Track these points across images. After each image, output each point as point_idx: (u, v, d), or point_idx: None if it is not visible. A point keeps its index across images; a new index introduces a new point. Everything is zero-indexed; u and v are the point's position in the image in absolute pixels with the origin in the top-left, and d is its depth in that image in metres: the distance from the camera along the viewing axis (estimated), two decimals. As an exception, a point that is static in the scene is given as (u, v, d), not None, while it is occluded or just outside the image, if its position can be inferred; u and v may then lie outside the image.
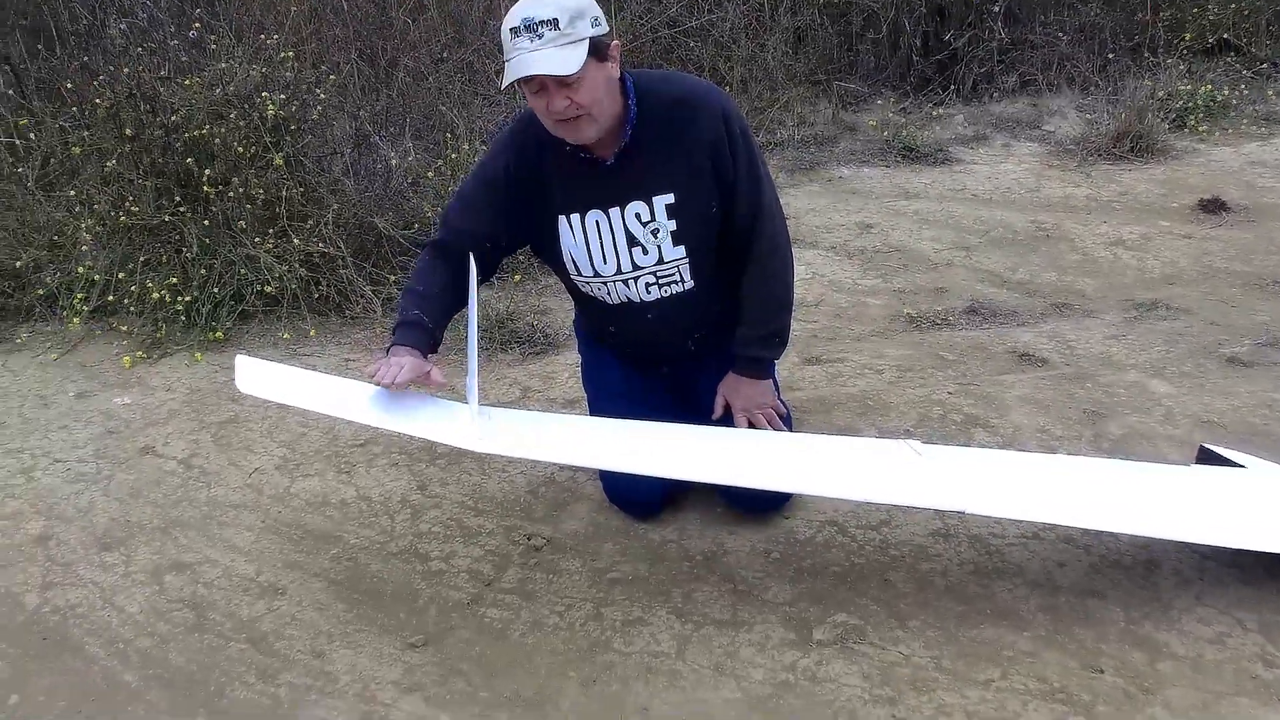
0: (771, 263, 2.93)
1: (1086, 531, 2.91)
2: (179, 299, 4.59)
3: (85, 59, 5.62)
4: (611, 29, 2.62)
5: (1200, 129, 6.75)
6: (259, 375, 2.79)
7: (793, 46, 7.94)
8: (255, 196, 4.82)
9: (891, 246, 5.34)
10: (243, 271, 4.69)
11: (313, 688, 2.60)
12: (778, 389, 3.13)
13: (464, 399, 2.75)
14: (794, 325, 3.11)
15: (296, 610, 2.88)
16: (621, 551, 3.04)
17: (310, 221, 4.86)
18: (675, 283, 2.91)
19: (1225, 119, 6.91)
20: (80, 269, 4.76)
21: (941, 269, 5.05)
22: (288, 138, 5.06)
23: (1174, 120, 6.82)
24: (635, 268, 2.86)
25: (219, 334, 4.53)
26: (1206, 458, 3.05)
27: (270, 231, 4.81)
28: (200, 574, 3.06)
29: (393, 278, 4.84)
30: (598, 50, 2.55)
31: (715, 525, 3.12)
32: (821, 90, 7.80)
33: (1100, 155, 6.45)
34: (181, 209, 4.83)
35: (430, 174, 5.40)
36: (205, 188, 4.79)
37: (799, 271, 3.44)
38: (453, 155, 5.51)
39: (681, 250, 2.85)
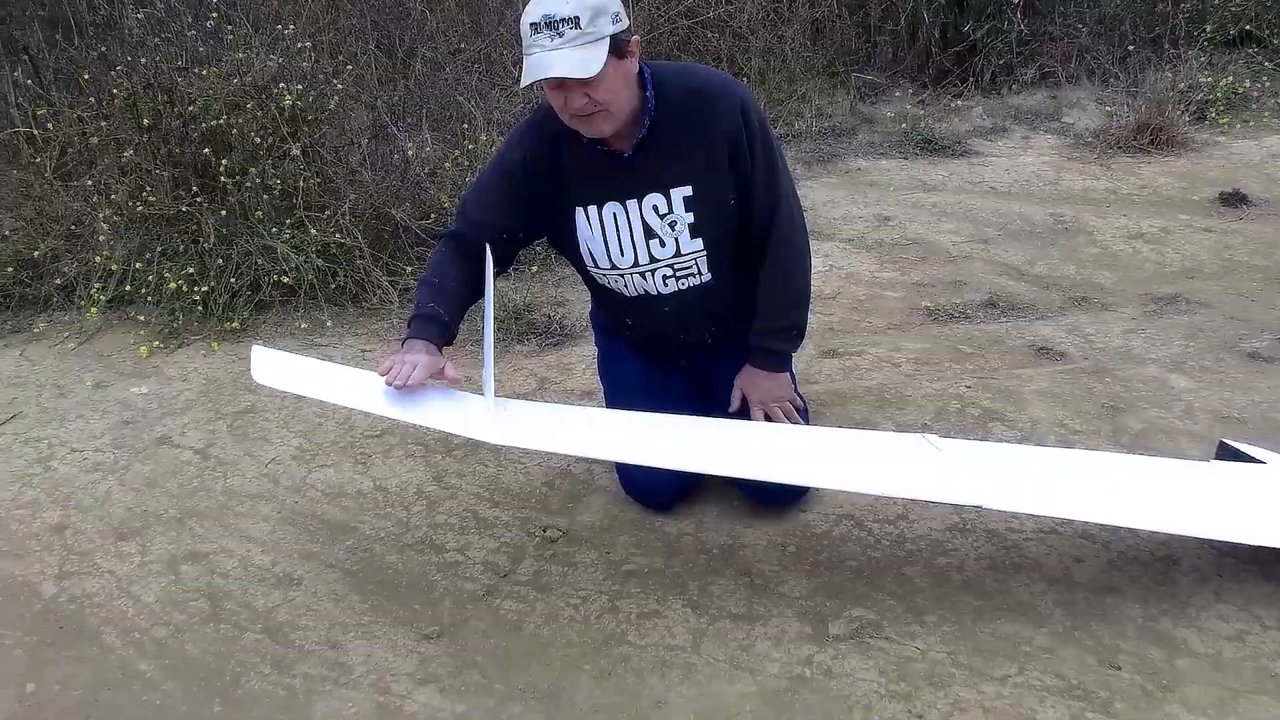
0: (789, 255, 2.92)
1: (1105, 527, 2.90)
2: (196, 289, 4.59)
3: (103, 49, 5.62)
4: (630, 22, 2.60)
5: (1221, 121, 6.71)
6: (275, 366, 2.79)
7: (811, 38, 7.92)
8: (272, 187, 4.81)
9: (909, 239, 5.32)
10: (260, 262, 4.69)
11: (327, 678, 2.60)
12: (795, 382, 3.12)
13: (480, 390, 2.74)
14: (811, 317, 3.10)
15: (312, 601, 2.88)
16: (637, 544, 3.03)
17: (327, 212, 4.86)
18: (692, 275, 2.90)
19: (1246, 111, 6.87)
20: (98, 259, 4.76)
21: (959, 262, 5.03)
22: (305, 128, 5.05)
23: (1194, 113, 6.79)
24: (652, 260, 2.86)
25: (236, 324, 4.53)
26: (1226, 453, 3.03)
27: (287, 222, 4.81)
28: (216, 564, 3.07)
29: (409, 268, 4.84)
30: (618, 48, 2.53)
31: (731, 518, 3.11)
32: (839, 82, 7.79)
33: (1120, 148, 6.41)
34: (199, 199, 4.83)
35: (448, 165, 5.39)
36: (222, 178, 4.79)
37: (816, 264, 3.44)
38: (470, 146, 5.51)
39: (699, 243, 2.84)
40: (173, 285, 4.58)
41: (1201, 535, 2.69)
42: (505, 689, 2.53)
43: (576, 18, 2.45)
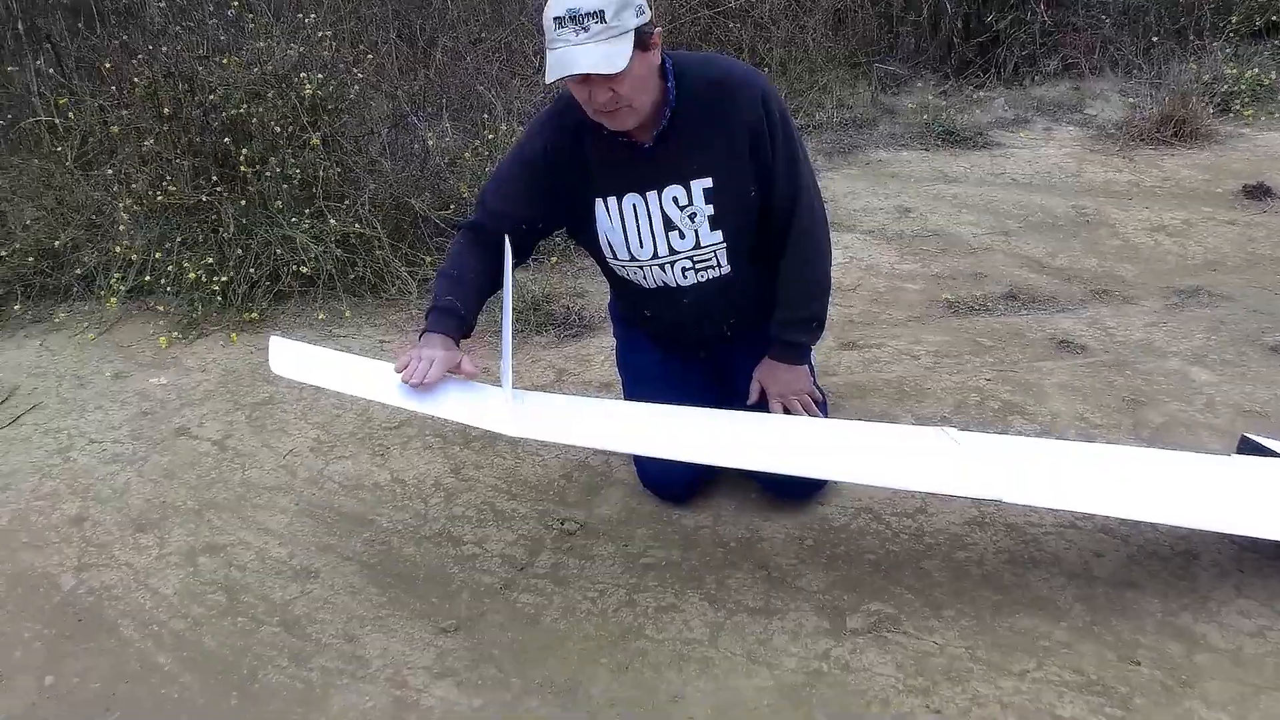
0: (808, 247, 2.91)
1: (1124, 521, 2.88)
2: (215, 279, 4.60)
3: (125, 38, 5.64)
4: (651, 14, 2.59)
5: (1246, 113, 6.66)
6: (292, 357, 2.79)
7: (832, 28, 7.90)
8: (292, 176, 4.82)
9: (930, 231, 5.30)
10: (279, 252, 4.69)
11: (344, 672, 2.60)
12: (814, 374, 3.11)
13: (498, 382, 2.74)
14: (831, 309, 3.10)
15: (329, 594, 2.88)
16: (655, 537, 3.03)
17: (347, 202, 4.86)
18: (712, 267, 2.89)
19: (1271, 103, 6.81)
20: (118, 248, 4.77)
21: (980, 254, 5.00)
22: (325, 117, 5.06)
23: (1219, 104, 6.74)
24: (672, 252, 2.84)
25: (254, 315, 4.54)
26: (1248, 447, 3.00)
27: (307, 212, 4.82)
28: (234, 556, 3.07)
29: (428, 259, 4.84)
30: (642, 40, 2.52)
31: (749, 511, 3.10)
32: (861, 73, 7.76)
33: (1143, 140, 6.37)
34: (218, 188, 4.84)
35: (467, 154, 5.39)
36: (242, 167, 4.80)
37: (836, 255, 3.43)
38: (490, 136, 5.51)
39: (719, 235, 2.83)
40: (192, 275, 4.60)
41: (1222, 530, 2.67)
42: (522, 683, 2.53)
43: (601, 11, 2.44)
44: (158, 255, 4.74)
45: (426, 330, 2.70)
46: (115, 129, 5.12)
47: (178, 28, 5.56)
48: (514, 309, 2.89)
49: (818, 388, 3.10)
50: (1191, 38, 7.47)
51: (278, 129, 4.88)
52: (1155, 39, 7.49)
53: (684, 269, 2.87)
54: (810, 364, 3.08)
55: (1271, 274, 4.60)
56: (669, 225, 2.81)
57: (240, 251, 4.69)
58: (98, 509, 3.33)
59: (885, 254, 5.04)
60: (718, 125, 2.73)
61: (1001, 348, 3.99)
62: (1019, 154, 6.36)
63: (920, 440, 2.83)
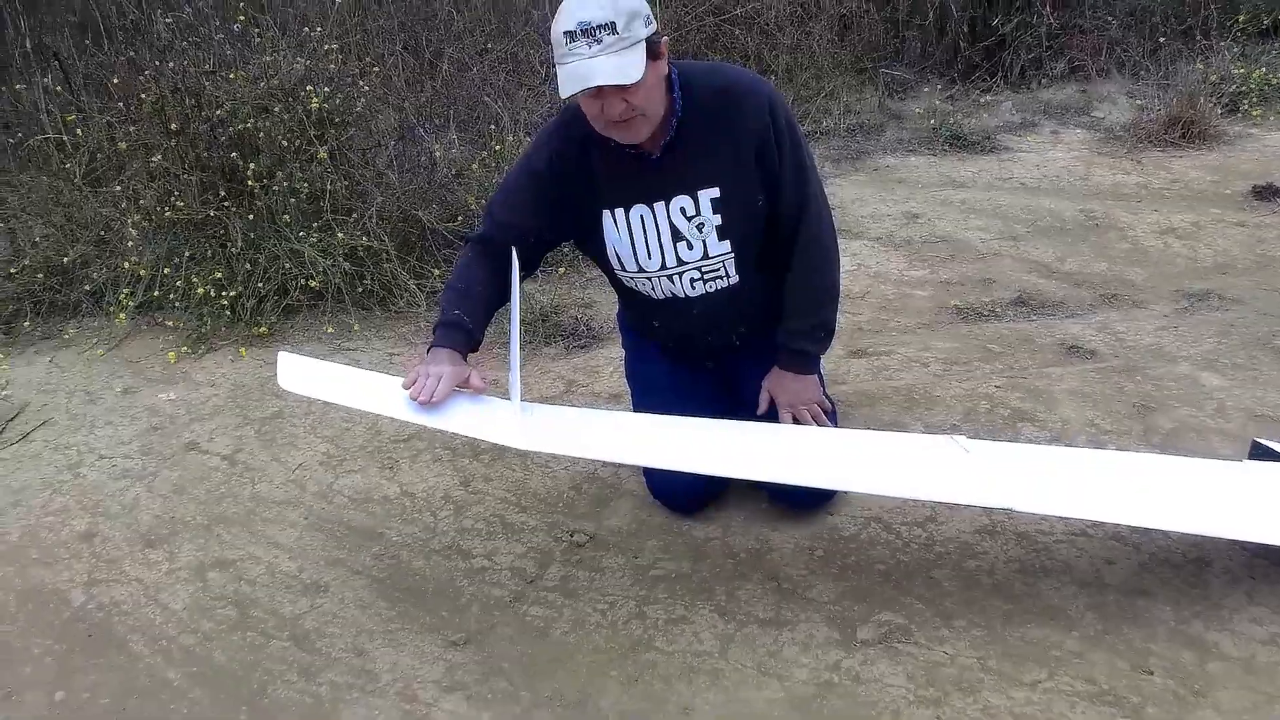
0: (817, 255, 2.90)
1: (1136, 529, 2.87)
2: (224, 294, 4.61)
3: (132, 54, 5.66)
4: (657, 24, 2.59)
5: (1254, 114, 6.65)
6: (301, 372, 2.79)
7: (839, 34, 7.89)
8: (300, 190, 4.83)
9: (938, 236, 5.29)
10: (287, 266, 4.69)
11: (354, 686, 2.60)
12: (823, 383, 3.10)
13: (507, 394, 2.74)
14: (839, 317, 3.09)
15: (338, 608, 2.88)
16: (664, 548, 3.02)
17: (354, 215, 4.87)
18: (720, 278, 2.89)
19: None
20: (126, 264, 4.78)
21: (989, 259, 4.99)
22: (332, 130, 5.06)
23: (1227, 105, 6.72)
24: (680, 263, 2.84)
25: (263, 329, 4.54)
26: (1260, 453, 2.99)
27: (314, 225, 4.82)
28: (243, 571, 3.07)
29: (436, 271, 4.84)
30: (651, 50, 2.52)
31: (759, 522, 3.09)
32: (867, 78, 7.76)
33: (1151, 142, 6.36)
34: (226, 203, 4.85)
35: (474, 166, 5.39)
36: (250, 182, 4.80)
37: (845, 262, 3.42)
38: (497, 147, 5.51)
39: (727, 245, 2.82)
40: (200, 290, 4.60)
41: (1234, 537, 2.65)
42: (532, 696, 2.52)
43: (613, 23, 2.43)
44: (166, 271, 4.75)
45: (434, 345, 2.70)
46: (123, 145, 5.13)
47: (184, 43, 5.58)
48: (522, 320, 2.89)
49: (827, 397, 3.10)
50: (1198, 38, 7.46)
51: (285, 143, 4.89)
52: (1162, 40, 7.48)
53: (692, 279, 2.87)
54: (820, 373, 3.07)
55: (1282, 276, 4.60)
56: (677, 236, 2.81)
57: (248, 266, 4.70)
58: (107, 524, 3.33)
59: (893, 260, 5.03)
60: (724, 134, 2.73)
61: (1011, 354, 3.98)
62: (1026, 158, 6.35)
63: (930, 449, 2.83)
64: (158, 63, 5.26)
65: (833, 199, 3.24)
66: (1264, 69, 6.96)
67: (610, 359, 4.09)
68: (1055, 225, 5.34)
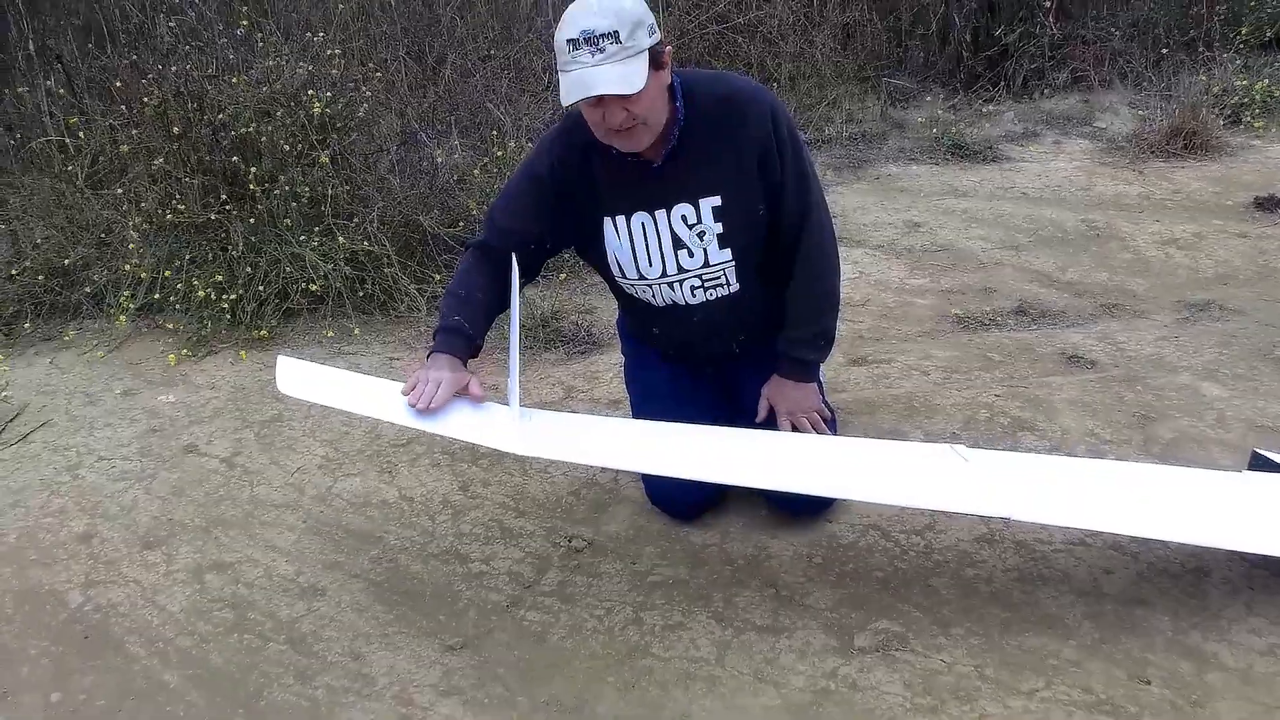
0: (818, 264, 2.91)
1: (1134, 538, 2.86)
2: (224, 297, 4.61)
3: (135, 57, 5.66)
4: (660, 33, 2.58)
5: (1256, 125, 6.64)
6: (299, 376, 2.79)
7: (842, 43, 7.91)
8: (301, 194, 4.83)
9: (940, 245, 5.29)
10: (288, 269, 4.70)
11: (350, 690, 2.60)
12: (823, 391, 3.10)
13: (506, 400, 2.74)
14: (840, 325, 3.10)
15: (336, 611, 2.88)
16: (662, 554, 3.02)
17: (355, 219, 4.87)
18: (721, 285, 2.89)
19: (1282, 114, 6.80)
20: (127, 267, 4.78)
21: (990, 268, 4.99)
22: (334, 135, 5.07)
23: (1229, 116, 6.72)
24: (681, 271, 2.84)
25: (264, 332, 4.54)
26: (1259, 463, 2.99)
27: (315, 229, 4.82)
28: (241, 574, 3.07)
29: (437, 276, 4.84)
30: (654, 59, 2.52)
31: (757, 529, 3.09)
32: (870, 87, 7.76)
33: (1153, 152, 6.36)
34: (228, 207, 4.85)
35: (476, 172, 5.39)
36: (251, 185, 4.81)
37: (846, 271, 3.42)
38: (499, 153, 5.51)
39: (727, 253, 2.83)
40: (201, 293, 4.60)
41: (1233, 547, 2.65)
42: (528, 701, 2.52)
43: (616, 32, 2.44)
44: (167, 273, 4.75)
45: (434, 351, 2.70)
46: (125, 148, 5.14)
47: (187, 47, 5.58)
48: (523, 326, 2.89)
49: (827, 405, 3.10)
50: (1201, 49, 7.46)
51: (287, 147, 4.89)
52: (1165, 51, 7.48)
53: (693, 287, 2.87)
54: (820, 381, 3.07)
55: (1283, 288, 4.59)
56: (678, 244, 2.81)
57: (249, 269, 4.70)
58: (106, 526, 3.33)
59: (895, 269, 5.03)
60: (726, 142, 2.73)
61: (1011, 363, 3.98)
62: (1028, 167, 6.35)
63: (928, 458, 2.83)
64: (160, 66, 5.25)
65: (834, 207, 3.24)
66: (1266, 81, 6.96)
67: (610, 365, 4.08)
68: (1057, 235, 5.34)
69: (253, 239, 4.78)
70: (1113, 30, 7.66)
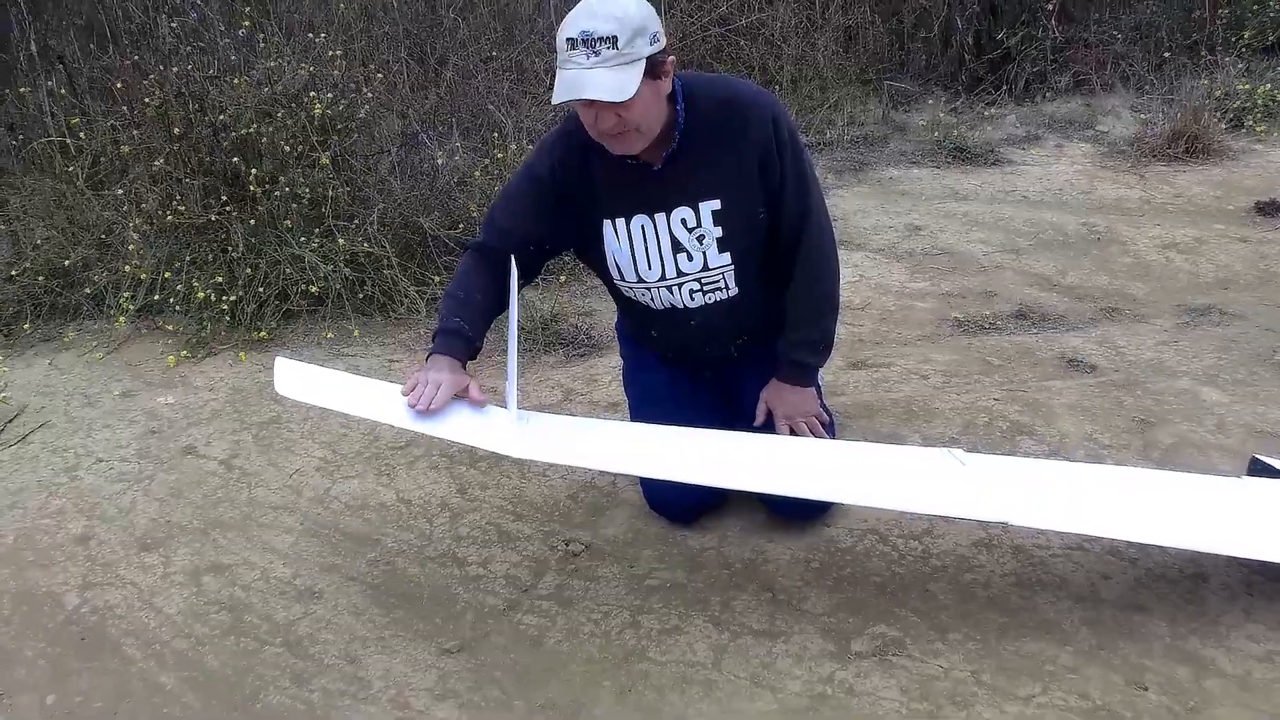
0: (818, 268, 2.90)
1: (1133, 544, 2.86)
2: (224, 298, 4.61)
3: (136, 58, 5.66)
4: (665, 42, 2.57)
5: (1258, 129, 6.63)
6: (298, 378, 2.79)
7: (843, 45, 7.90)
8: (301, 196, 4.83)
9: (940, 249, 5.29)
10: (288, 271, 4.69)
11: (346, 693, 2.59)
12: (821, 395, 3.09)
13: (504, 403, 2.74)
14: (840, 328, 3.09)
15: (332, 614, 2.88)
16: (660, 558, 3.02)
17: (356, 221, 4.87)
18: (720, 289, 2.88)
19: (1284, 119, 6.79)
20: (127, 268, 4.78)
21: (990, 272, 4.99)
22: (335, 137, 5.07)
23: (1231, 120, 6.71)
24: (680, 274, 2.84)
25: (263, 334, 4.54)
26: (1259, 469, 2.98)
27: (316, 231, 4.82)
28: (238, 576, 3.07)
29: (437, 278, 4.83)
30: (653, 69, 2.52)
31: (755, 532, 3.09)
32: (872, 89, 7.76)
33: (1154, 156, 6.35)
34: (228, 208, 4.85)
35: (477, 173, 5.39)
36: (252, 187, 4.81)
37: (846, 274, 3.42)
38: (500, 155, 5.50)
39: (727, 257, 2.82)
40: (201, 295, 4.60)
41: (1232, 553, 2.64)
42: (525, 705, 2.52)
43: (615, 37, 2.43)
44: (167, 274, 4.75)
45: (433, 352, 2.70)
46: (126, 149, 5.14)
47: (189, 48, 5.58)
48: (522, 328, 2.88)
49: (825, 409, 3.09)
50: (1203, 53, 7.46)
51: (287, 148, 4.89)
52: (1167, 55, 7.48)
53: (691, 291, 2.87)
54: (818, 385, 3.07)
55: (1284, 292, 4.59)
56: (677, 247, 2.81)
57: (249, 271, 4.70)
58: (103, 528, 3.33)
59: (895, 272, 5.03)
60: (726, 145, 2.73)
61: (1011, 367, 3.97)
62: (1030, 171, 6.35)
63: (927, 462, 2.82)
64: (162, 67, 5.26)
65: (835, 210, 3.24)
66: (1269, 85, 6.95)
67: (609, 368, 4.08)
68: (1057, 238, 5.34)
69: (253, 240, 4.78)
70: (1115, 34, 7.65)
